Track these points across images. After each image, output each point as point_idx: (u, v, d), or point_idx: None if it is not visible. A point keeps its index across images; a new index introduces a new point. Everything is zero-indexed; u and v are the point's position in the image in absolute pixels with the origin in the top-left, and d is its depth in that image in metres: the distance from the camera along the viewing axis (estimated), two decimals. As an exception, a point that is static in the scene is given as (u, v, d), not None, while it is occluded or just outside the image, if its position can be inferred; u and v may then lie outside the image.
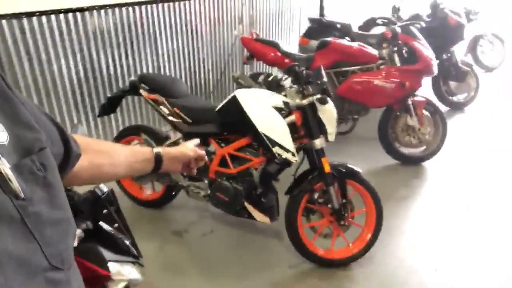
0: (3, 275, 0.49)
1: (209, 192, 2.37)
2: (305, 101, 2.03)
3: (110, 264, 1.09)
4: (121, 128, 3.38)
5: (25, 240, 0.52)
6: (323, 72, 2.06)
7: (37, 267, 0.54)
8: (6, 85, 0.59)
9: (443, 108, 3.75)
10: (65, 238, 0.61)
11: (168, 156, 1.01)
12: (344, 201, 2.16)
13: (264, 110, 2.06)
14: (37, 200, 0.55)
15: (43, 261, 0.55)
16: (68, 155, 0.72)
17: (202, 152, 1.10)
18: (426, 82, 3.43)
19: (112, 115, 3.38)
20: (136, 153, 0.97)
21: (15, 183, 0.51)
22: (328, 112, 2.08)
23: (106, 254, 1.10)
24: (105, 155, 0.89)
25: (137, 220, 2.68)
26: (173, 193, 2.62)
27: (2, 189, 0.50)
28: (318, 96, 2.01)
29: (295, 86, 2.10)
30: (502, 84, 5.40)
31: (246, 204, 2.26)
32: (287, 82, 2.21)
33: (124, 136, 2.71)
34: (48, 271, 0.56)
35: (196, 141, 1.14)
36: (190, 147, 1.08)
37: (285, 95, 2.14)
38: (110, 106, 2.58)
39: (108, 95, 2.61)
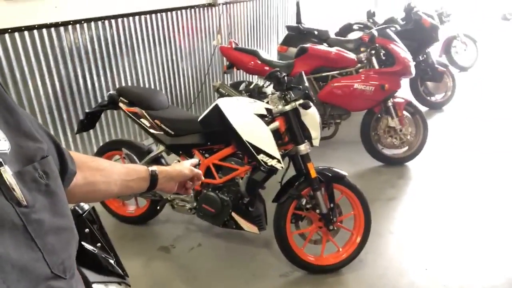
0: (5, 284, 0.48)
1: (195, 204, 2.33)
2: (288, 107, 2.02)
3: (94, 286, 1.04)
4: (101, 144, 3.30)
5: (28, 248, 0.52)
6: (304, 77, 2.06)
7: (39, 276, 0.53)
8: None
9: (422, 108, 3.80)
10: (68, 246, 0.61)
11: (164, 175, 1.00)
12: (332, 205, 2.15)
13: (247, 118, 2.04)
14: (40, 207, 0.55)
15: (46, 269, 0.55)
16: (64, 172, 0.71)
17: (198, 171, 1.08)
18: (404, 84, 3.48)
19: (91, 131, 3.29)
20: (131, 171, 0.95)
21: (18, 190, 0.51)
22: (311, 117, 2.07)
23: (90, 275, 1.04)
24: (100, 172, 0.87)
25: (121, 237, 2.60)
26: (158, 207, 2.56)
27: (4, 196, 0.50)
28: (301, 101, 2.01)
29: (277, 92, 2.09)
30: (477, 82, 5.55)
31: (233, 214, 2.22)
32: (269, 89, 2.20)
33: (105, 151, 2.64)
34: (51, 279, 0.55)
35: (195, 161, 1.12)
36: (187, 166, 1.06)
37: (267, 102, 2.13)
38: (88, 122, 2.51)
39: (87, 110, 2.54)
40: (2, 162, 0.51)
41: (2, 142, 0.54)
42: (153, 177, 0.98)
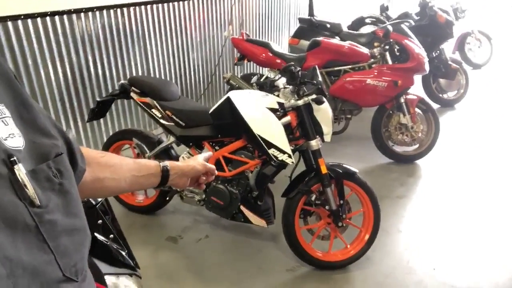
0: None
1: (204, 196, 2.33)
2: (300, 102, 2.00)
3: (106, 277, 1.04)
4: (111, 133, 3.31)
5: (40, 250, 0.51)
6: (318, 72, 2.03)
7: (51, 279, 0.52)
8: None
9: (434, 106, 3.76)
10: (81, 248, 0.59)
11: (176, 171, 0.98)
12: (341, 202, 2.13)
13: (258, 111, 2.03)
14: (53, 207, 0.54)
15: (58, 272, 0.53)
16: (74, 170, 0.69)
17: (212, 166, 1.06)
18: (417, 81, 3.43)
19: (101, 120, 3.31)
20: (142, 166, 0.93)
21: (31, 190, 0.50)
22: (324, 112, 2.05)
23: (102, 266, 1.04)
24: (108, 169, 0.85)
25: (130, 227, 2.61)
26: (167, 198, 2.56)
27: (17, 195, 0.49)
28: (314, 96, 1.98)
29: (289, 86, 2.07)
30: (490, 80, 5.46)
31: (242, 207, 2.22)
32: (281, 83, 2.17)
33: (115, 141, 2.65)
34: (62, 282, 0.54)
35: (208, 154, 1.10)
36: (200, 161, 1.04)
37: (278, 96, 2.11)
38: (99, 111, 2.51)
39: (97, 99, 2.54)
40: (16, 161, 0.49)
41: (17, 138, 0.52)
42: (165, 173, 0.96)
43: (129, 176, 0.90)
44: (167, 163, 0.98)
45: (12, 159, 0.49)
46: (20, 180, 0.49)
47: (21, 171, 0.50)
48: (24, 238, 0.49)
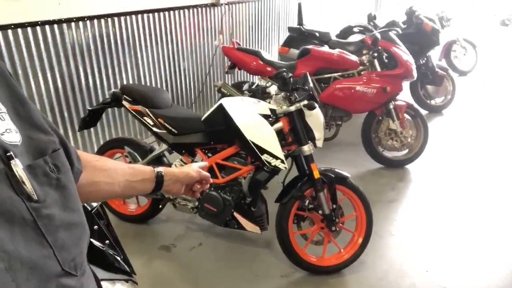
0: (15, 282, 0.47)
1: (197, 203, 2.32)
2: (292, 107, 2.02)
3: (102, 283, 1.03)
4: (102, 142, 3.29)
5: (38, 244, 0.51)
6: (309, 78, 2.06)
7: (50, 273, 0.52)
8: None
9: (422, 112, 3.82)
10: (79, 242, 0.60)
11: (170, 177, 0.98)
12: (334, 206, 2.15)
13: (251, 117, 2.04)
14: (50, 202, 0.54)
15: (56, 266, 0.53)
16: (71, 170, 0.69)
17: (206, 174, 1.06)
18: (405, 87, 3.50)
19: (93, 129, 3.29)
20: (136, 172, 0.93)
21: (28, 185, 0.50)
22: (316, 118, 2.08)
23: (98, 272, 1.04)
24: (103, 172, 0.86)
25: (122, 236, 2.55)
26: (159, 206, 2.55)
27: (14, 190, 0.49)
28: (305, 102, 2.01)
29: (281, 93, 2.09)
30: (476, 87, 5.58)
31: (235, 214, 2.23)
32: (273, 90, 2.19)
33: (107, 149, 2.63)
34: (61, 277, 0.54)
35: (204, 164, 1.10)
36: (194, 168, 1.04)
37: (269, 103, 2.13)
38: (90, 119, 2.50)
39: (88, 108, 2.53)
40: (13, 155, 0.50)
41: (13, 134, 0.53)
42: (159, 179, 0.96)
43: (123, 180, 0.90)
44: (161, 169, 0.98)
45: (8, 154, 0.50)
46: (17, 175, 0.49)
47: (18, 166, 0.50)
48: (22, 232, 0.49)
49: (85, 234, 0.63)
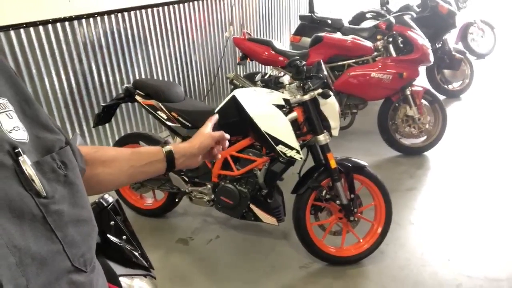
0: (25, 277, 0.47)
1: (213, 196, 2.32)
2: (306, 97, 1.98)
3: (121, 279, 1.03)
4: (117, 137, 3.31)
5: (48, 239, 0.51)
6: (323, 66, 2.01)
7: (60, 269, 0.52)
8: None
9: (439, 97, 3.72)
10: (88, 238, 0.60)
11: (183, 153, 0.93)
12: (352, 196, 2.11)
13: (265, 108, 2.01)
14: (59, 198, 0.54)
15: (66, 262, 0.53)
16: None
17: (220, 133, 0.99)
18: (421, 72, 3.41)
19: (107, 125, 3.30)
20: (143, 155, 0.90)
21: (37, 181, 0.50)
22: (331, 107, 2.04)
23: (116, 268, 1.03)
24: (102, 164, 0.84)
25: (139, 231, 2.59)
26: (176, 200, 2.55)
27: (23, 187, 0.49)
28: (320, 90, 1.97)
29: (295, 82, 2.05)
30: (494, 70, 5.41)
31: (251, 206, 2.21)
32: (286, 79, 2.15)
33: (122, 145, 2.64)
34: (71, 273, 0.54)
35: (214, 118, 1.03)
36: (205, 134, 0.98)
37: (283, 93, 2.09)
38: (105, 115, 2.50)
39: (102, 104, 2.54)
40: (21, 152, 0.50)
41: (21, 132, 0.53)
42: (169, 157, 0.92)
43: (127, 168, 0.87)
44: (170, 146, 0.94)
45: (16, 150, 0.50)
46: (26, 171, 0.50)
47: (26, 162, 0.50)
48: (32, 228, 0.49)
49: (93, 231, 0.63)
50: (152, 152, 0.92)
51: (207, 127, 1.01)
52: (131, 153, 0.90)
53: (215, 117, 1.04)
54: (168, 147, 0.93)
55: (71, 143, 0.67)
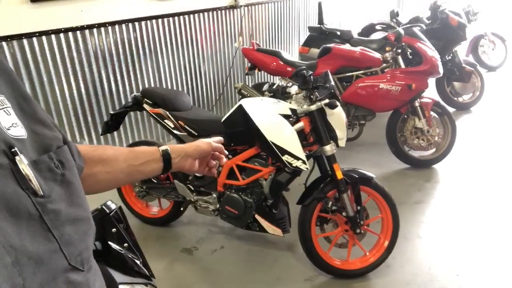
0: (21, 276, 0.47)
1: (218, 206, 2.31)
2: (313, 107, 1.97)
3: (121, 287, 1.02)
4: (125, 145, 3.33)
5: (45, 239, 0.51)
6: (330, 76, 2.01)
7: (56, 268, 0.52)
8: None
9: (449, 109, 3.69)
10: (85, 237, 0.59)
11: (178, 153, 0.93)
12: (358, 208, 2.08)
13: (271, 118, 2.01)
14: (56, 197, 0.54)
15: (63, 261, 0.53)
16: None
17: (219, 145, 0.99)
18: (431, 84, 3.38)
19: (115, 132, 3.33)
20: (139, 154, 0.90)
21: (34, 180, 0.51)
22: (338, 117, 2.02)
23: (117, 276, 1.02)
24: (101, 163, 0.83)
25: (144, 239, 2.60)
26: (181, 209, 2.55)
27: (20, 186, 0.50)
28: (327, 100, 1.96)
29: (302, 92, 2.05)
30: (506, 82, 5.35)
31: (256, 216, 2.19)
32: (293, 89, 2.15)
33: (129, 153, 2.65)
34: (68, 272, 0.54)
35: (218, 138, 1.03)
36: (204, 141, 0.98)
37: (290, 103, 2.09)
38: (113, 123, 2.52)
39: (111, 112, 2.56)
40: (18, 151, 0.50)
41: (19, 129, 0.53)
42: (166, 157, 0.91)
43: (125, 166, 0.87)
44: (167, 146, 0.94)
45: (13, 149, 0.50)
46: (22, 171, 0.50)
47: (22, 161, 0.50)
48: (29, 227, 0.49)
49: (91, 230, 0.63)
50: (149, 151, 0.92)
51: (211, 139, 1.01)
52: (129, 151, 0.90)
53: (220, 138, 1.04)
54: (164, 147, 0.93)
55: (68, 142, 0.67)
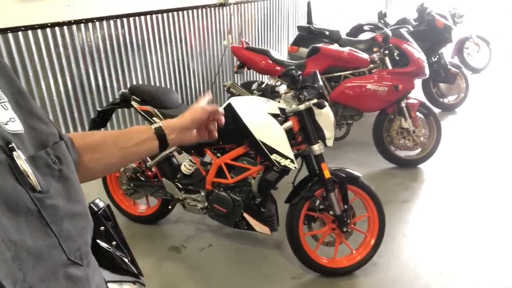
0: (21, 271, 0.48)
1: (206, 204, 2.30)
2: (302, 106, 1.98)
3: (109, 285, 1.01)
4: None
5: (44, 234, 0.52)
6: (319, 76, 2.02)
7: (56, 263, 0.53)
8: None
9: (435, 110, 3.76)
10: (84, 232, 0.60)
11: (173, 129, 0.90)
12: (345, 207, 2.11)
13: (260, 117, 2.01)
14: (54, 193, 0.55)
15: (62, 255, 0.54)
16: None
17: (213, 107, 0.95)
18: (417, 85, 3.43)
19: (102, 129, 3.29)
20: (132, 135, 0.87)
21: (32, 176, 0.51)
22: (326, 117, 2.04)
23: (105, 274, 1.02)
24: (91, 150, 0.80)
25: (131, 237, 2.58)
26: (169, 207, 2.54)
27: (18, 181, 0.50)
28: (315, 100, 1.98)
29: (290, 91, 2.06)
30: (490, 84, 5.47)
31: (245, 215, 2.20)
32: (282, 89, 2.16)
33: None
34: (68, 266, 0.54)
35: (207, 95, 0.99)
36: (199, 108, 0.94)
37: (279, 102, 2.10)
38: (100, 120, 2.50)
39: (98, 108, 2.54)
40: (15, 147, 0.50)
41: (17, 123, 0.53)
42: (159, 134, 0.88)
43: (117, 150, 0.84)
44: (159, 123, 0.91)
45: (10, 145, 0.50)
46: (20, 166, 0.50)
47: (20, 157, 0.50)
48: (28, 222, 0.50)
49: (89, 225, 0.63)
50: (141, 130, 0.89)
51: (200, 103, 0.98)
52: (119, 134, 0.87)
53: (208, 95, 1.01)
54: (157, 124, 0.90)
55: (62, 135, 0.67)
